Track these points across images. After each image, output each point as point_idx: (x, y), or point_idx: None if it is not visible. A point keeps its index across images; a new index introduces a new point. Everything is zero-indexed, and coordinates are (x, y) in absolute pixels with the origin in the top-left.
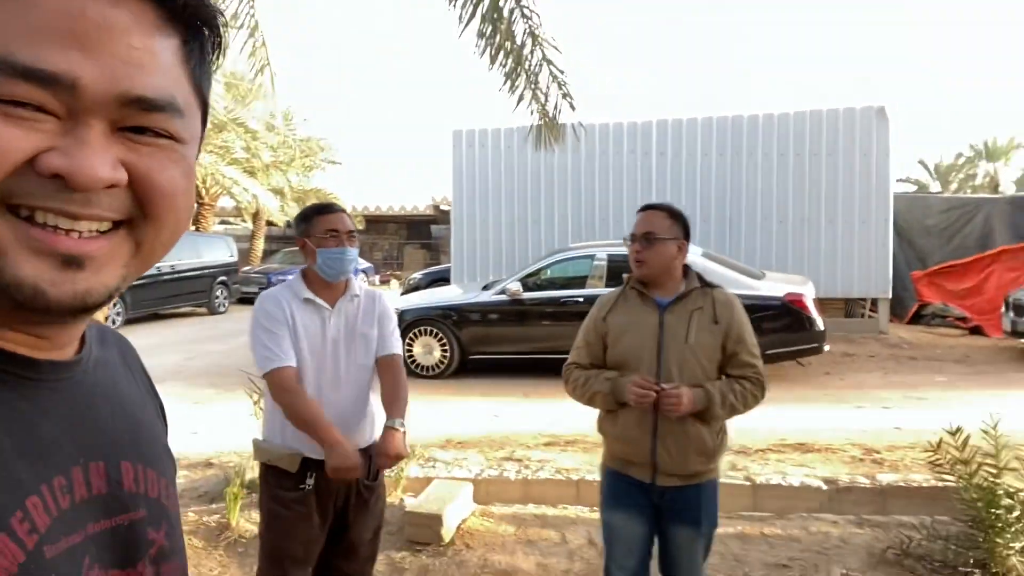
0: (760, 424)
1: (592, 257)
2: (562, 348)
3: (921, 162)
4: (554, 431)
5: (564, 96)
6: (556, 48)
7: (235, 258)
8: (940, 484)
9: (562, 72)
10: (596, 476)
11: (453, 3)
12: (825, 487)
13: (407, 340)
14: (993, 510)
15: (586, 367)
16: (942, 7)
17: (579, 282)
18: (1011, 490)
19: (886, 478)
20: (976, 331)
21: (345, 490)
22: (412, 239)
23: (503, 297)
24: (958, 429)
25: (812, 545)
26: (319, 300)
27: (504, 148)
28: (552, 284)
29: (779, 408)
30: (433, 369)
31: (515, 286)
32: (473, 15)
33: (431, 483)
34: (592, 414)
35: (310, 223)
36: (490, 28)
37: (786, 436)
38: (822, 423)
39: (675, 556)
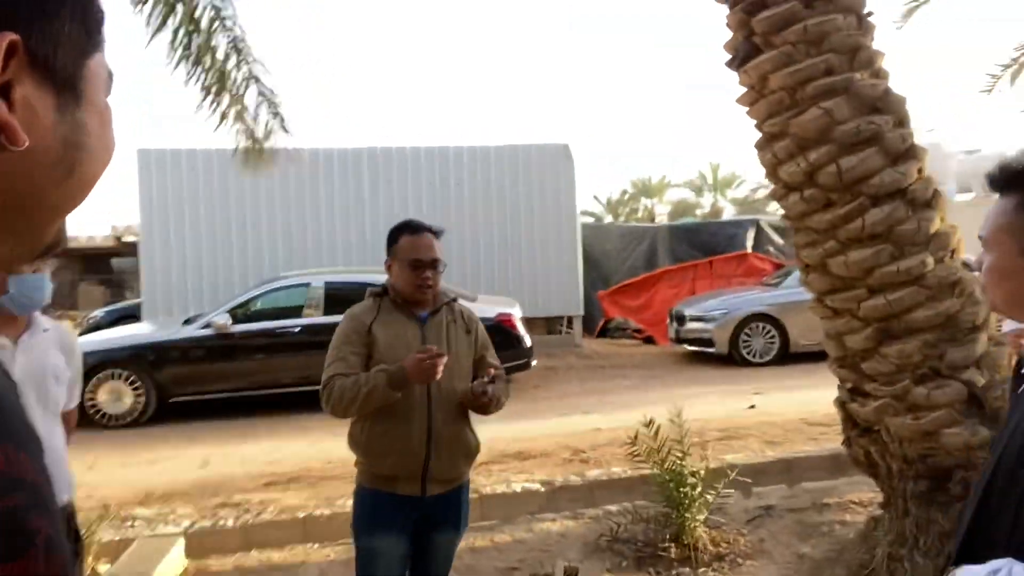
0: (481, 438)
1: (307, 285)
2: (280, 381)
3: (595, 197)
4: (274, 470)
5: (275, 116)
6: (263, 66)
7: None
8: (636, 473)
9: (272, 92)
10: (324, 510)
11: (140, 6)
12: (543, 489)
13: (88, 387)
14: (681, 489)
15: (348, 375)
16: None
17: (294, 312)
18: (693, 469)
19: (592, 473)
20: (649, 340)
21: None
22: (89, 274)
23: (208, 331)
24: (651, 421)
25: (537, 544)
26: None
27: (202, 171)
28: (264, 315)
29: (496, 423)
30: (124, 418)
31: (223, 319)
32: (164, 24)
33: (132, 544)
34: (320, 448)
35: None
36: (185, 39)
37: (505, 448)
38: (536, 431)
39: (434, 562)
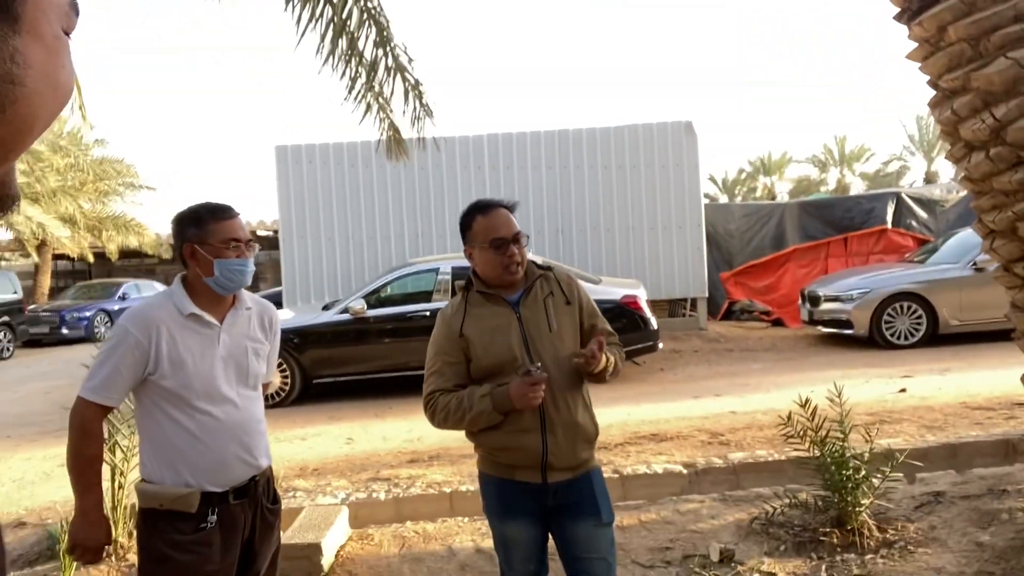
0: (612, 420)
1: (436, 271)
2: (412, 364)
3: (711, 177)
4: (415, 447)
5: (422, 104)
6: (407, 55)
7: (19, 295)
8: (784, 456)
9: (418, 81)
10: (468, 487)
11: (291, 5)
12: (685, 471)
13: None
14: (844, 471)
15: (451, 390)
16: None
17: (424, 296)
18: (856, 452)
19: (736, 456)
20: (777, 323)
21: (251, 518)
22: None
23: (346, 316)
24: (807, 400)
25: (686, 525)
26: (207, 316)
27: (333, 164)
28: (396, 300)
29: (626, 405)
30: (273, 398)
31: (359, 304)
32: (317, 18)
33: (300, 513)
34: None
35: (203, 228)
36: (334, 34)
37: (638, 429)
38: (667, 414)
39: (583, 550)
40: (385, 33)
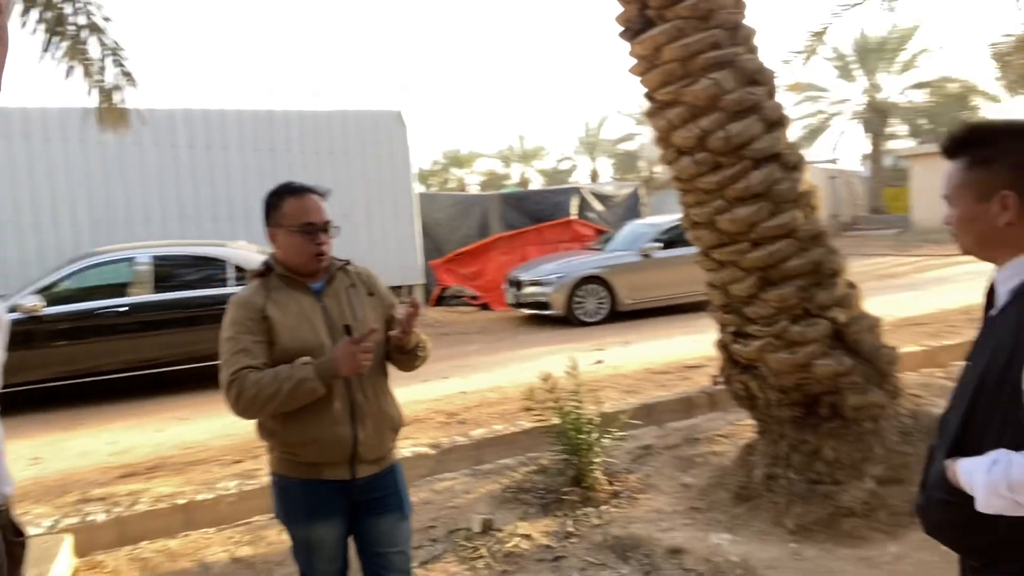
0: None
1: (131, 260)
2: (105, 367)
3: None
4: (125, 461)
5: (124, 74)
6: (103, 15)
7: None
8: (518, 429)
9: (118, 44)
10: (205, 495)
11: None
12: (433, 451)
13: None
14: (580, 435)
15: (260, 368)
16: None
17: (116, 290)
18: (589, 417)
19: (477, 433)
20: (485, 307)
21: None
22: None
23: (17, 315)
24: (548, 375)
25: (444, 503)
26: None
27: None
28: (80, 296)
29: None
30: None
31: (32, 300)
32: None
33: None
34: (168, 435)
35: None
36: None
37: None
38: (401, 399)
39: (385, 547)
40: None
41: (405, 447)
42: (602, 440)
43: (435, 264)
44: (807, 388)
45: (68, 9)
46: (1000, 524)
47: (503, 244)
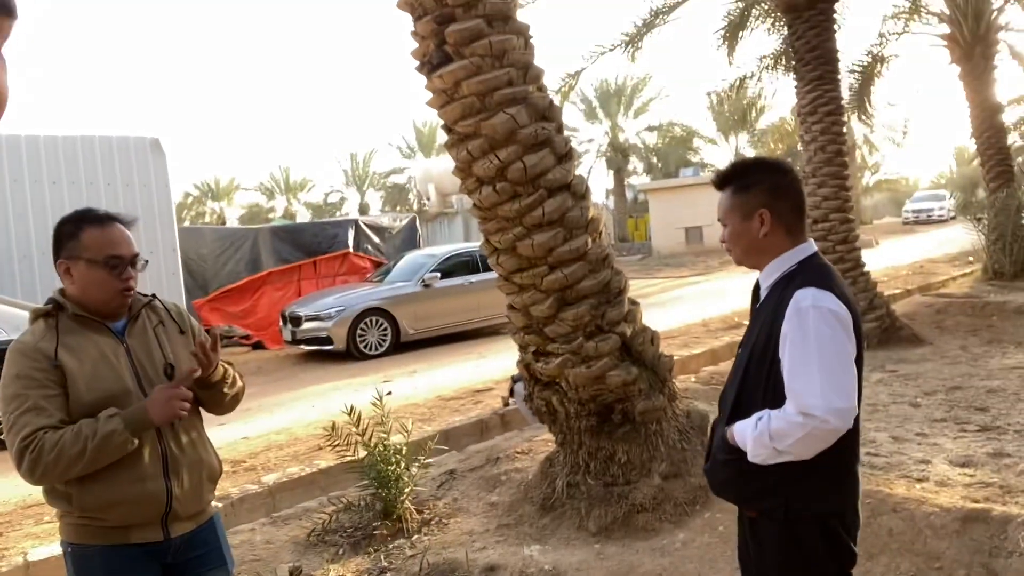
0: None
1: None
2: None
3: None
4: None
5: None
6: None
7: None
8: (315, 469)
9: None
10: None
11: None
12: (220, 504)
13: None
14: (389, 466)
15: (57, 426)
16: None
17: None
18: (397, 448)
19: (270, 478)
20: (258, 346)
21: None
22: None
23: None
24: (352, 408)
25: (245, 556)
26: None
27: None
28: None
29: None
30: None
31: None
32: None
33: None
34: None
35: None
36: None
37: None
38: None
39: None
40: None
41: None
42: (410, 469)
43: (199, 303)
44: (602, 398)
45: None
46: (769, 473)
47: (276, 279)
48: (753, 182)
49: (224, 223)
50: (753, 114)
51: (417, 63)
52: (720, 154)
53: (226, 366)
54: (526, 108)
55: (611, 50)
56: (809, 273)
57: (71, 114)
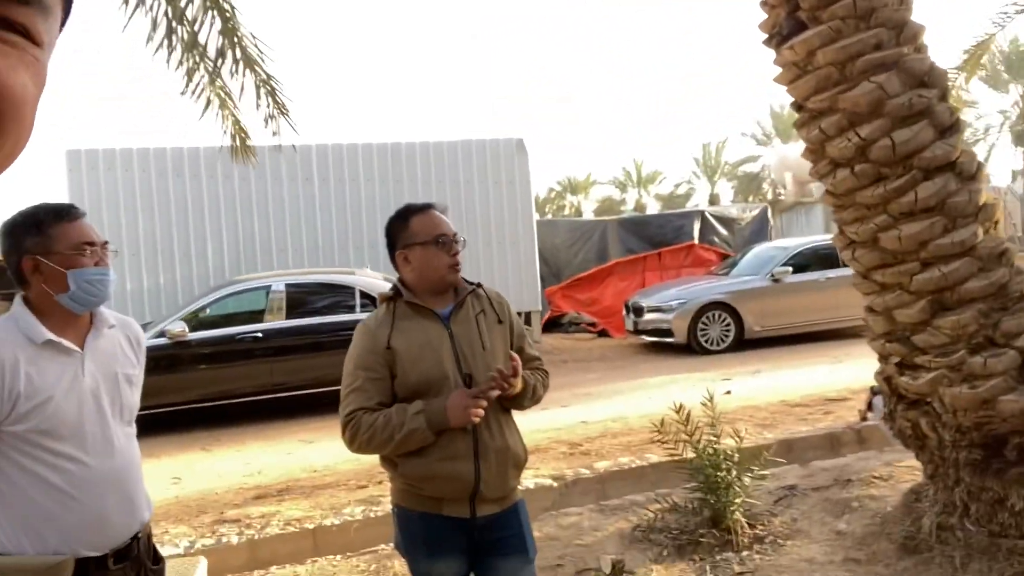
0: None
1: (268, 288)
2: (242, 391)
3: None
4: (257, 482)
5: (276, 104)
6: (258, 47)
7: None
8: (645, 463)
9: (271, 76)
10: (332, 520)
11: None
12: (555, 484)
13: None
14: (719, 472)
15: (374, 409)
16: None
17: (254, 316)
18: (728, 453)
19: (601, 465)
20: (603, 333)
21: None
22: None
23: (163, 340)
24: (681, 406)
25: (571, 540)
26: (65, 342)
27: (138, 171)
28: (221, 322)
29: None
30: None
31: (178, 327)
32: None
33: None
34: (298, 456)
35: (45, 234)
36: (173, 16)
37: None
38: (521, 428)
39: None
40: (231, 23)
41: (527, 478)
42: (742, 478)
43: (551, 291)
44: (990, 427)
45: (225, 43)
46: None
47: (622, 270)
48: None
49: (580, 215)
50: None
51: (765, 36)
52: None
53: (531, 384)
54: (898, 74)
55: None
56: None
57: (445, 119)
